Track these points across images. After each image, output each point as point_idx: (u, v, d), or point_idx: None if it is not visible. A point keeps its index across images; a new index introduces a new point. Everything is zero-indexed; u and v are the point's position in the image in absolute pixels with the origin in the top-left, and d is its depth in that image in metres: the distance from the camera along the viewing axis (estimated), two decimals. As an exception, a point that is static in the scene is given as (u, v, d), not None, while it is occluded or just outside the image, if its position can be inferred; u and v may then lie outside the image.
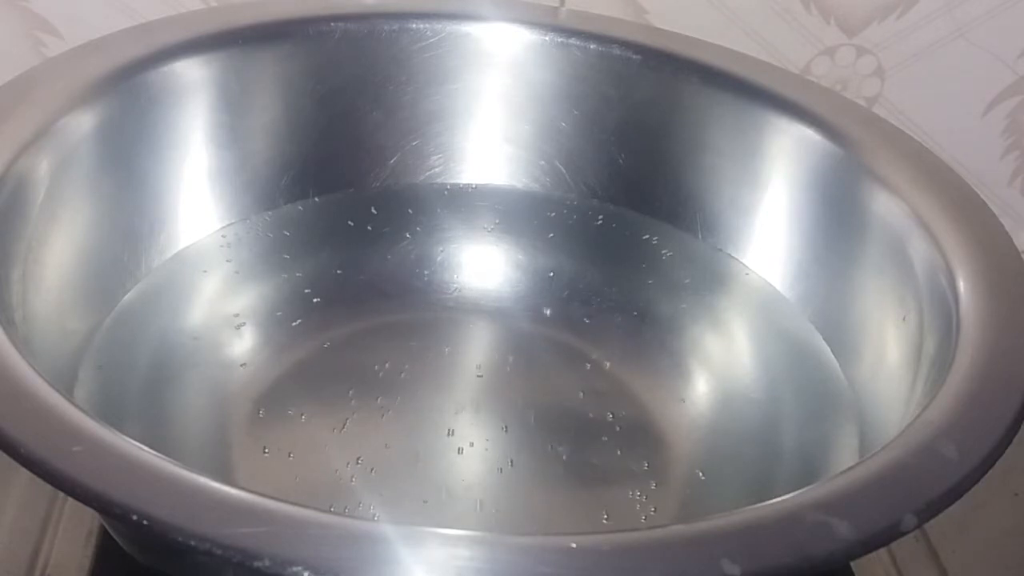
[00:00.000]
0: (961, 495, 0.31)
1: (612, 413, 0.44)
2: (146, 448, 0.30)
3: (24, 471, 0.29)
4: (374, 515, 0.39)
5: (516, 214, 0.53)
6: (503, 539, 0.29)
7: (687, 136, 0.51)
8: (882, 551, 0.45)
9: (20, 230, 0.40)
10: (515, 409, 0.44)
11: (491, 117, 0.54)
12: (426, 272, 0.50)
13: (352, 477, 0.40)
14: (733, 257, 0.51)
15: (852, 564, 0.43)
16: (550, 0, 0.55)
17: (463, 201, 0.54)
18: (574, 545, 0.28)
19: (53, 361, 0.39)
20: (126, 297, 0.45)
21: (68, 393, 0.32)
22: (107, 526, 0.40)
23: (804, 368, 0.46)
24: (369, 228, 0.51)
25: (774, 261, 0.50)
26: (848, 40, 0.57)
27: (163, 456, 0.30)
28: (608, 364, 0.46)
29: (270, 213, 0.51)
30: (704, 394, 0.46)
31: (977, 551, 0.46)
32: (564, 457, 0.42)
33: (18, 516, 0.42)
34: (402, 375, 0.45)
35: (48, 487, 0.33)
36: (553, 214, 0.53)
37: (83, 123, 0.43)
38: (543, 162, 0.54)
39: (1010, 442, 0.33)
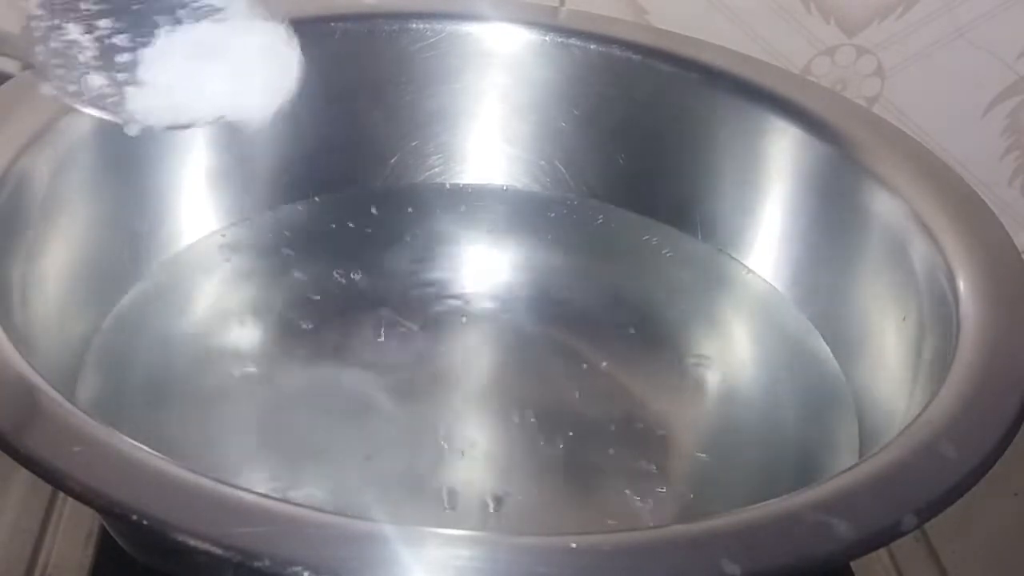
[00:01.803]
0: (961, 495, 0.31)
1: (612, 413, 0.44)
2: (146, 448, 0.30)
3: (24, 471, 0.29)
4: (374, 515, 0.39)
5: (516, 214, 0.53)
6: (503, 539, 0.29)
7: (687, 136, 0.51)
8: (882, 551, 0.45)
9: (20, 230, 0.40)
10: (515, 409, 0.44)
11: (491, 117, 0.54)
12: (426, 272, 0.50)
13: (352, 477, 0.40)
14: (733, 257, 0.51)
15: (852, 564, 0.43)
16: (550, 0, 0.55)
17: (463, 201, 0.54)
18: (574, 545, 0.28)
19: (53, 361, 0.39)
20: (126, 297, 0.45)
21: (68, 393, 0.32)
22: (107, 526, 0.40)
23: (804, 368, 0.46)
24: (369, 228, 0.51)
25: (774, 261, 0.50)
26: (848, 40, 0.57)
27: (163, 456, 0.30)
28: (608, 364, 0.46)
29: (270, 213, 0.51)
30: (704, 394, 0.46)
31: (977, 551, 0.46)
32: (564, 457, 0.42)
33: (18, 516, 0.42)
34: (402, 375, 0.45)
35: (48, 487, 0.33)
36: (553, 214, 0.53)
37: (83, 123, 0.43)
38: (543, 162, 0.54)
39: (1010, 442, 0.33)
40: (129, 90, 0.35)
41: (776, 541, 0.29)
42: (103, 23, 0.35)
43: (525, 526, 0.39)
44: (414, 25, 0.51)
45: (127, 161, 0.45)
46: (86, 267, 0.44)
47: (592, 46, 0.51)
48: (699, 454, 0.43)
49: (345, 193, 0.53)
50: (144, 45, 0.35)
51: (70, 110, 0.42)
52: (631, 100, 0.52)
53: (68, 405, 0.31)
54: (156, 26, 0.35)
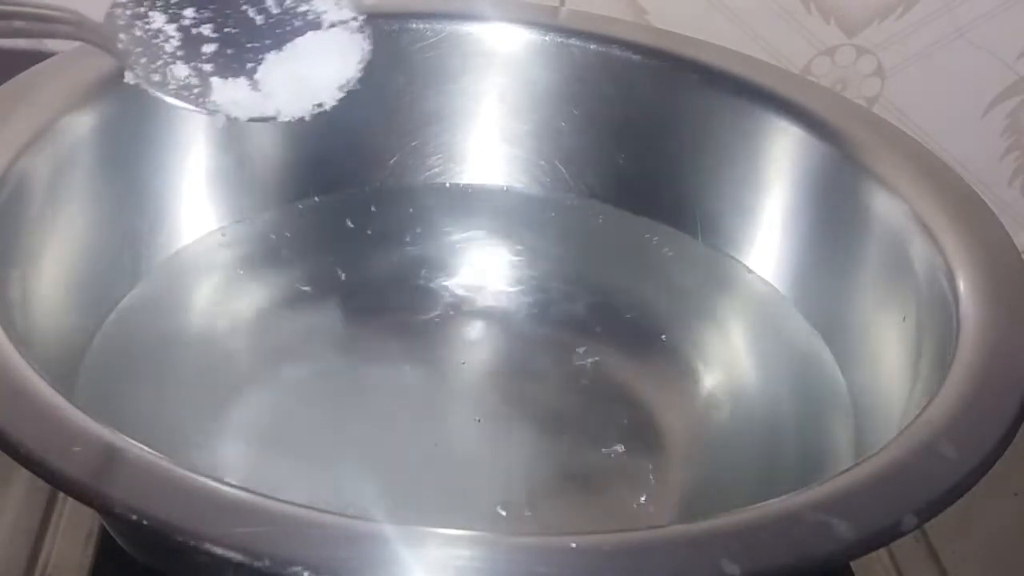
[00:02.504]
0: (961, 495, 0.31)
1: (612, 414, 0.44)
2: (146, 448, 0.30)
3: (24, 471, 0.29)
4: (373, 516, 0.39)
5: (516, 214, 0.53)
6: (503, 539, 0.29)
7: (687, 136, 0.51)
8: (882, 551, 0.45)
9: (20, 230, 0.40)
10: (515, 410, 0.44)
11: (491, 117, 0.54)
12: (426, 272, 0.50)
13: (352, 478, 0.40)
14: (733, 257, 0.51)
15: (852, 564, 0.43)
16: (550, 0, 0.55)
17: (463, 201, 0.54)
18: (574, 545, 0.28)
19: (53, 361, 0.39)
20: (126, 297, 0.45)
21: (68, 393, 0.32)
22: (107, 526, 0.40)
23: (804, 368, 0.46)
24: (369, 228, 0.51)
25: (774, 261, 0.50)
26: (848, 40, 0.57)
27: (163, 456, 0.30)
28: (608, 365, 0.46)
29: (270, 213, 0.51)
30: (704, 394, 0.46)
31: (977, 551, 0.46)
32: (564, 457, 0.42)
33: (18, 516, 0.42)
34: (402, 376, 0.45)
35: (48, 487, 0.33)
36: (553, 214, 0.53)
37: (83, 123, 0.43)
38: (543, 162, 0.54)
39: (1010, 442, 0.33)
40: (215, 81, 0.35)
41: (776, 541, 0.29)
42: (188, 12, 0.35)
43: (525, 526, 0.39)
44: (414, 25, 0.51)
45: (127, 161, 0.45)
46: (86, 267, 0.44)
47: (592, 46, 0.51)
48: (699, 454, 0.43)
49: (345, 193, 0.53)
50: (229, 36, 0.35)
51: (70, 110, 0.42)
52: (631, 100, 0.52)
53: (68, 405, 0.31)
54: (242, 15, 0.35)
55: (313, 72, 0.37)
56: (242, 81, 0.35)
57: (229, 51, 0.35)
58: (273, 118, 0.36)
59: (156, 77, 0.35)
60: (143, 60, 0.34)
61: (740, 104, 0.49)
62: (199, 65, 0.35)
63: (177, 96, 0.35)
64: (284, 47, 0.36)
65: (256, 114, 0.36)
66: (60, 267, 0.42)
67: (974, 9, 0.56)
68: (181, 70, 0.35)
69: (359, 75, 0.37)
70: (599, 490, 0.41)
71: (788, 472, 0.42)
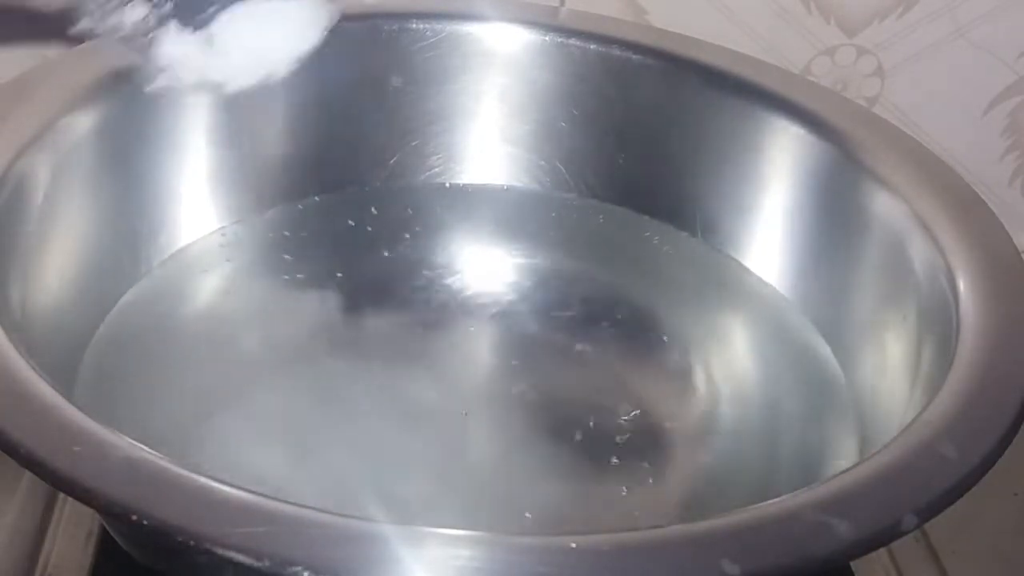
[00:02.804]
0: (961, 495, 0.31)
1: (612, 413, 0.44)
2: (146, 448, 0.30)
3: (24, 471, 0.29)
4: (373, 515, 0.39)
5: (516, 214, 0.53)
6: (503, 539, 0.29)
7: (687, 136, 0.51)
8: (882, 551, 0.45)
9: (20, 230, 0.40)
10: (515, 410, 0.44)
11: (491, 117, 0.54)
12: (426, 272, 0.50)
13: (352, 477, 0.40)
14: (733, 257, 0.51)
15: (852, 564, 0.43)
16: (550, 0, 0.55)
17: (463, 201, 0.54)
18: (574, 545, 0.28)
19: (53, 361, 0.39)
20: (126, 297, 0.45)
21: (68, 393, 0.32)
22: (107, 526, 0.40)
23: (804, 368, 0.46)
24: (369, 228, 0.51)
25: (774, 261, 0.50)
26: (848, 40, 0.57)
27: (163, 456, 0.30)
28: (608, 364, 0.46)
29: (270, 213, 0.51)
30: (704, 394, 0.46)
31: (977, 551, 0.46)
32: (564, 457, 0.42)
33: (18, 516, 0.42)
34: (402, 376, 0.45)
35: (48, 487, 0.33)
36: (553, 214, 0.53)
37: (83, 123, 0.43)
38: (543, 162, 0.54)
39: (1010, 442, 0.33)
40: (163, 35, 0.34)
41: (776, 541, 0.29)
42: None
43: (525, 525, 0.39)
44: (414, 25, 0.51)
45: (127, 161, 0.45)
46: (86, 267, 0.44)
47: (592, 46, 0.51)
48: (699, 454, 0.43)
49: (345, 193, 0.53)
50: None
51: (70, 110, 0.42)
52: (631, 100, 0.52)
53: (68, 405, 0.31)
54: None
55: (270, 39, 0.36)
56: (198, 38, 0.35)
57: (187, 7, 0.34)
58: (223, 84, 0.36)
59: (108, 22, 0.34)
60: (96, 5, 0.34)
61: (740, 104, 0.49)
62: (153, 13, 0.34)
63: (127, 44, 0.34)
64: (245, 10, 0.35)
65: (207, 77, 0.35)
66: (60, 267, 0.42)
67: (974, 9, 0.56)
68: (133, 14, 0.34)
69: (318, 44, 0.37)
70: (599, 490, 0.41)
71: (788, 472, 0.42)
